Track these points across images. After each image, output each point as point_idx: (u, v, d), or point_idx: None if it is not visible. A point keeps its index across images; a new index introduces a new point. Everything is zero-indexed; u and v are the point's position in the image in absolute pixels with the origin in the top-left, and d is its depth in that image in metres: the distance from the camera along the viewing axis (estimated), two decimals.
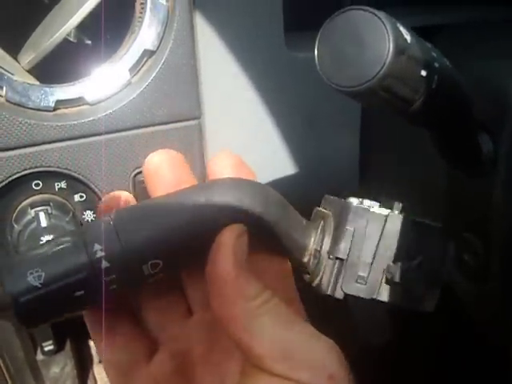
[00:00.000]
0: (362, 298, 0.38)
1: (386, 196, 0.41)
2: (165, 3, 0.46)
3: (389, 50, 0.31)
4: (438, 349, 0.85)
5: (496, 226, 0.46)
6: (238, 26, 0.50)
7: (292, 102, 0.53)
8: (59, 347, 0.92)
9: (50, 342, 0.88)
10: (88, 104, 0.46)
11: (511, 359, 0.45)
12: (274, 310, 0.33)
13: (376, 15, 0.31)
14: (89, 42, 0.48)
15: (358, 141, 0.56)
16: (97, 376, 0.99)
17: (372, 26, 0.31)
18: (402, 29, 0.32)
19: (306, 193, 0.56)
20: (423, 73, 0.34)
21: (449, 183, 0.49)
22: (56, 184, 0.46)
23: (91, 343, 0.99)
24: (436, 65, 0.35)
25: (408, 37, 0.33)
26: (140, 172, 0.47)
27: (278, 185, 0.55)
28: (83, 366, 0.97)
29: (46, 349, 0.89)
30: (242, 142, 0.53)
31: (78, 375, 0.93)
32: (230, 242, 0.33)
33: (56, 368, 0.91)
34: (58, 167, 0.45)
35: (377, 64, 0.31)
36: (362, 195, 0.58)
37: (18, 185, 0.45)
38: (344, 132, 0.55)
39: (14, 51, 0.46)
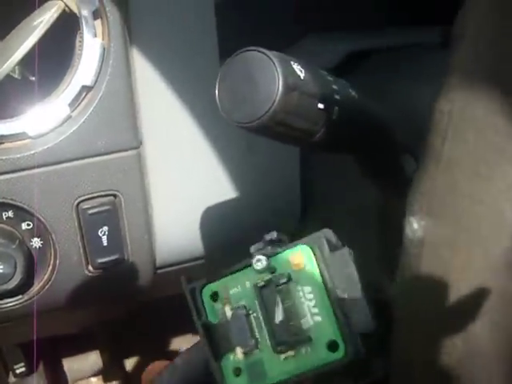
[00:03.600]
0: None
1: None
2: (101, 41, 0.48)
3: (278, 88, 0.33)
4: None
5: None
6: (174, 57, 0.52)
7: (231, 129, 0.55)
8: (31, 369, 0.92)
9: (22, 364, 0.89)
10: (30, 138, 0.48)
11: None
12: None
13: (267, 55, 0.34)
14: (33, 78, 0.50)
15: (298, 166, 0.58)
16: None
17: (263, 66, 0.34)
18: (295, 66, 0.35)
19: (247, 220, 0.58)
20: (320, 106, 0.36)
21: (376, 203, 0.51)
22: (3, 213, 0.49)
23: (64, 364, 1.00)
24: (337, 97, 0.38)
25: (302, 74, 0.35)
26: (83, 200, 0.50)
27: (219, 211, 0.57)
28: None
29: (18, 371, 0.90)
30: (183, 169, 0.55)
31: None
32: None
33: None
34: (4, 198, 0.48)
35: (267, 101, 0.34)
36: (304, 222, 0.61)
37: None
38: (284, 157, 0.58)
39: None
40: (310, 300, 0.35)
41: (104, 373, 1.01)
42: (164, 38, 0.52)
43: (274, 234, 0.39)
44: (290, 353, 0.35)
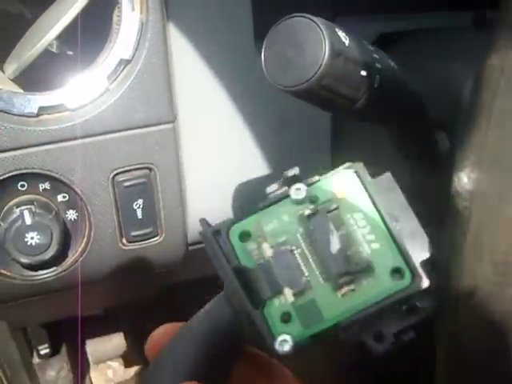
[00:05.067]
0: None
1: None
2: (139, 15, 0.49)
3: (325, 53, 0.34)
4: None
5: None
6: (210, 33, 0.53)
7: (263, 105, 0.56)
8: (55, 350, 0.93)
9: (46, 345, 0.90)
10: (68, 110, 0.49)
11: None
12: None
13: (313, 21, 0.35)
14: (70, 52, 0.51)
15: (328, 144, 0.59)
16: (93, 379, 1.01)
17: (310, 31, 0.34)
18: (340, 33, 0.35)
19: None
20: (363, 73, 0.37)
21: (408, 180, 0.51)
22: (40, 185, 0.50)
23: (87, 347, 1.01)
24: (378, 65, 0.38)
25: (346, 40, 0.36)
26: (118, 173, 0.51)
27: (250, 187, 0.57)
28: (79, 369, 0.99)
29: (42, 352, 0.91)
30: (216, 144, 0.56)
31: (73, 379, 0.96)
32: None
33: (52, 371, 0.94)
34: (41, 169, 0.49)
35: (314, 65, 0.34)
36: None
37: (5, 186, 0.49)
38: (315, 134, 0.58)
39: (0, 62, 0.49)
40: (364, 227, 0.32)
41: (126, 357, 1.02)
42: (200, 12, 0.52)
43: (296, 170, 0.34)
44: (350, 287, 0.31)
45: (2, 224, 0.48)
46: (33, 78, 0.48)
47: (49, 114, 0.49)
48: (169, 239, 0.54)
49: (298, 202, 0.33)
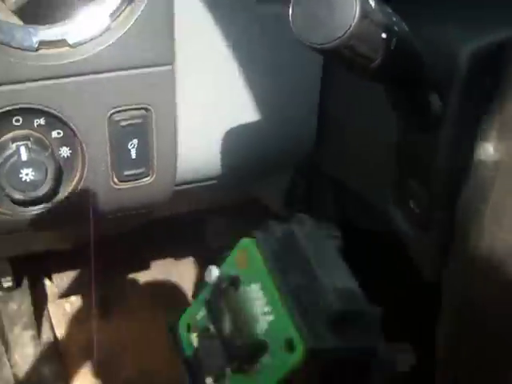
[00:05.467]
0: None
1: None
2: None
3: (355, 14, 0.35)
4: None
5: (439, 175, 0.51)
6: None
7: (257, 52, 0.56)
8: (17, 284, 0.93)
9: (9, 278, 0.90)
10: (69, 45, 0.48)
11: (441, 293, 0.51)
12: None
13: None
14: None
15: (317, 94, 0.60)
16: (51, 314, 1.02)
17: None
18: None
19: (265, 143, 0.60)
20: (383, 35, 0.38)
21: (399, 135, 0.54)
22: (35, 120, 0.49)
23: (46, 281, 1.01)
24: (396, 28, 0.39)
25: (372, 2, 0.37)
26: (115, 112, 0.51)
27: (239, 134, 0.58)
28: (38, 303, 1.00)
29: (5, 285, 0.90)
30: (209, 89, 0.56)
31: (33, 312, 0.96)
32: None
33: (14, 305, 0.94)
34: (39, 104, 0.48)
35: (344, 26, 0.35)
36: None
37: (0, 120, 0.48)
38: (306, 83, 0.59)
39: None
40: (261, 299, 0.31)
41: (84, 293, 1.03)
42: None
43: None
44: (252, 367, 0.31)
45: None
46: (34, 10, 0.47)
47: (48, 48, 0.48)
48: (159, 180, 0.55)
49: (214, 285, 0.33)
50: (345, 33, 0.35)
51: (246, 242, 0.33)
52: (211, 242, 1.02)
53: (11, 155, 0.47)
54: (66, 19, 0.47)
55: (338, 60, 0.39)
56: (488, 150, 0.31)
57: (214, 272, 0.33)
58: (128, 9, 0.49)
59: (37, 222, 0.53)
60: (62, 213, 0.53)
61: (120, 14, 0.49)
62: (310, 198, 0.71)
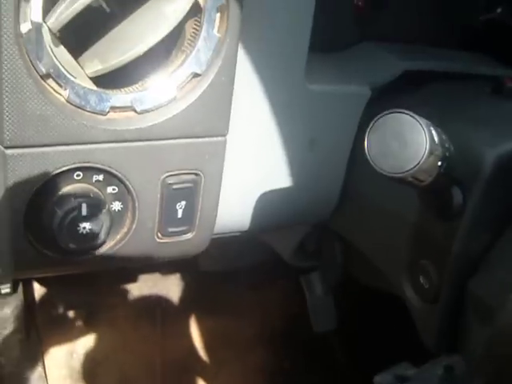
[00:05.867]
0: None
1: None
2: (217, 34, 0.51)
3: (425, 151, 0.40)
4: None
5: (452, 259, 0.57)
6: (268, 59, 0.57)
7: (297, 128, 0.61)
8: (14, 289, 0.94)
9: (9, 285, 0.91)
10: (135, 112, 0.51)
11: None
12: None
13: (418, 120, 0.40)
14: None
15: (344, 168, 0.65)
16: (38, 318, 1.04)
17: (414, 129, 0.40)
18: (433, 132, 0.41)
19: (291, 206, 0.65)
20: (439, 163, 0.43)
21: (417, 217, 0.59)
22: (94, 176, 0.52)
23: (35, 285, 1.04)
24: (447, 154, 0.45)
25: (436, 138, 0.42)
26: (169, 175, 0.54)
27: (269, 196, 0.63)
28: (27, 307, 1.02)
29: (3, 291, 0.91)
30: (251, 158, 0.60)
31: (25, 316, 0.98)
32: None
33: (7, 309, 0.96)
34: (102, 164, 0.51)
35: (414, 160, 0.40)
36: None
37: (63, 174, 0.51)
38: (336, 159, 0.64)
39: (75, 54, 0.50)
40: None
41: (71, 299, 1.05)
42: (262, 39, 0.56)
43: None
44: None
45: (58, 211, 0.50)
46: (107, 76, 0.50)
47: (116, 112, 0.51)
48: (198, 235, 0.59)
49: None
50: (414, 167, 0.40)
51: None
52: (202, 266, 1.06)
53: (72, 209, 0.51)
54: (132, 83, 0.51)
55: (398, 182, 0.44)
56: None
57: None
58: (193, 82, 0.52)
59: (80, 267, 0.56)
60: (105, 261, 0.56)
61: (185, 86, 0.52)
62: (320, 250, 0.77)
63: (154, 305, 1.12)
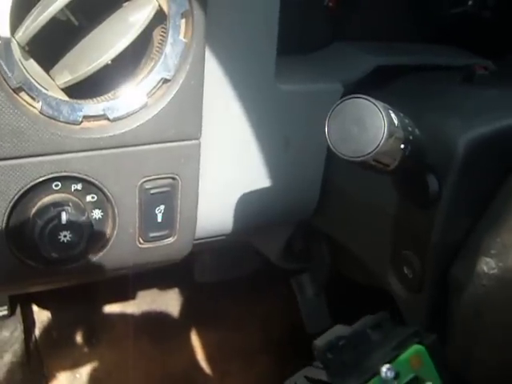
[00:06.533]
0: None
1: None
2: (183, 40, 0.53)
3: (383, 134, 0.41)
4: None
5: (432, 248, 0.57)
6: (237, 61, 0.58)
7: (272, 127, 0.62)
8: (12, 312, 0.96)
9: (6, 307, 0.92)
10: (108, 120, 0.52)
11: None
12: None
13: (375, 104, 0.41)
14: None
15: (322, 165, 0.66)
16: (39, 341, 1.05)
17: (372, 113, 0.41)
18: (392, 115, 0.42)
19: (271, 206, 0.66)
20: (402, 146, 0.44)
21: (397, 210, 0.60)
22: (73, 186, 0.53)
23: (35, 307, 1.04)
24: (410, 137, 0.46)
25: (396, 121, 0.43)
26: (146, 181, 0.55)
27: (249, 197, 0.64)
28: (27, 329, 1.03)
29: (1, 314, 0.93)
30: (227, 159, 0.61)
31: (24, 339, 0.99)
32: None
33: (6, 332, 0.96)
34: (79, 173, 0.52)
35: (373, 143, 0.41)
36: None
37: (41, 185, 0.52)
38: (313, 156, 0.65)
39: (46, 67, 0.51)
40: None
41: (71, 320, 1.06)
42: (230, 42, 0.57)
43: None
44: None
45: (38, 221, 0.52)
46: (78, 87, 0.51)
47: (89, 121, 0.52)
48: (180, 240, 0.60)
49: (388, 381, 0.40)
50: (374, 150, 0.41)
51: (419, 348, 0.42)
52: (198, 277, 1.06)
53: (52, 218, 0.52)
54: (103, 93, 0.52)
55: (361, 166, 0.45)
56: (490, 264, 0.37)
57: (391, 371, 0.41)
58: (163, 88, 0.54)
59: (64, 277, 0.57)
60: (89, 269, 0.57)
61: (156, 92, 0.53)
62: (308, 251, 0.77)
63: (154, 321, 1.13)
